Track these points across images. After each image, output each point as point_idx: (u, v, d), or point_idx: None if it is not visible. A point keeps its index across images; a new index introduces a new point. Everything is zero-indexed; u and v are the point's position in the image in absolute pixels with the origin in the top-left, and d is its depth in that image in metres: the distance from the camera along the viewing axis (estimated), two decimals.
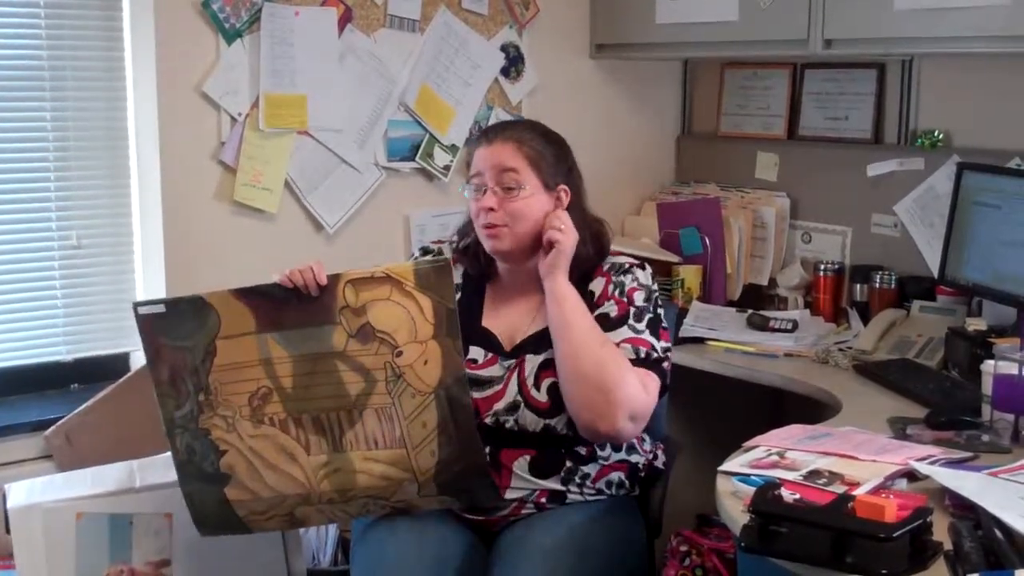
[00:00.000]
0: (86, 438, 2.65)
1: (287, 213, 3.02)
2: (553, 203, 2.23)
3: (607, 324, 2.18)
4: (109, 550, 2.33)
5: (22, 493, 2.33)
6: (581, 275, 2.25)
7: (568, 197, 2.25)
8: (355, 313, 2.04)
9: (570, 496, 2.21)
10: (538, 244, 2.21)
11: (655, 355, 2.18)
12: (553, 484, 2.19)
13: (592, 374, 2.09)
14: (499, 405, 2.18)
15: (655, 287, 2.27)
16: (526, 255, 2.24)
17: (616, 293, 2.22)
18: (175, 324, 2.07)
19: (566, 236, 2.18)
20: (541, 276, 2.19)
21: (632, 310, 2.20)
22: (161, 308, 2.09)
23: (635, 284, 2.24)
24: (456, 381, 2.04)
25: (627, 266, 2.27)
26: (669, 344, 2.24)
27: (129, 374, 2.80)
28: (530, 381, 2.18)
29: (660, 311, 2.25)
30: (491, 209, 2.19)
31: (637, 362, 2.15)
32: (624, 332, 2.18)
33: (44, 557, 2.28)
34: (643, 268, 2.28)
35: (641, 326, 2.19)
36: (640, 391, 2.12)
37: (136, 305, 2.10)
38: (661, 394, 2.22)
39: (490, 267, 2.32)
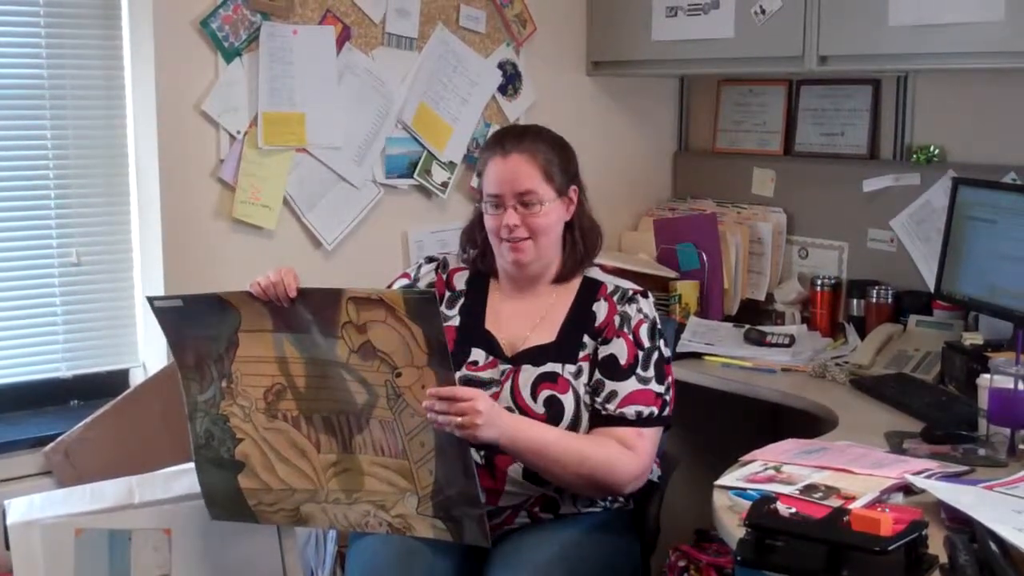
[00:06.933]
0: (86, 454, 2.66)
1: (286, 230, 3.03)
2: (567, 207, 2.29)
3: (615, 372, 2.21)
4: (108, 566, 2.32)
5: (21, 509, 2.33)
6: (582, 285, 2.31)
7: (576, 197, 2.32)
8: (358, 330, 2.05)
9: (563, 507, 2.22)
10: (556, 250, 2.30)
11: (655, 413, 2.21)
12: (547, 490, 2.20)
13: (585, 482, 2.16)
14: None
15: (657, 316, 2.31)
16: (543, 265, 2.30)
17: (623, 328, 2.25)
18: (196, 317, 2.13)
19: (474, 412, 1.98)
20: (485, 440, 2.03)
21: (640, 355, 2.23)
22: (179, 303, 2.14)
23: (641, 316, 2.27)
24: None
25: (631, 293, 2.30)
26: (670, 384, 2.26)
27: (128, 390, 2.80)
28: (526, 392, 2.20)
29: (663, 343, 2.28)
30: (516, 225, 2.23)
31: (636, 422, 2.18)
32: (631, 384, 2.20)
33: (43, 573, 2.28)
34: (646, 296, 2.32)
35: (648, 373, 2.22)
36: (632, 463, 2.16)
37: (151, 300, 2.15)
38: (665, 429, 2.28)
39: (495, 273, 2.36)
